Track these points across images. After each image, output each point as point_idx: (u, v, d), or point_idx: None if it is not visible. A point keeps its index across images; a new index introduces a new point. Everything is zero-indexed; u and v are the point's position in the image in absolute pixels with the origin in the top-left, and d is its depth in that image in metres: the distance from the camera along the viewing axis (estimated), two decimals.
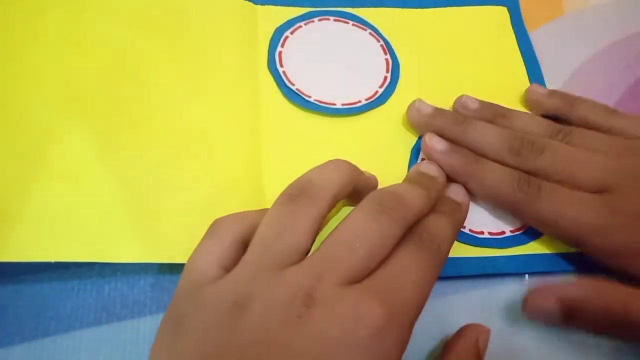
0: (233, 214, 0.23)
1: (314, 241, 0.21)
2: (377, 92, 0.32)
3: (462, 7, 0.36)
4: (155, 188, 0.26)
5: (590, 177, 0.26)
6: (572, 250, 0.27)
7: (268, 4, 0.34)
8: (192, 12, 0.32)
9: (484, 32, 0.36)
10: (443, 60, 0.34)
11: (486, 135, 0.28)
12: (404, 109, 0.31)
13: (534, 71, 0.34)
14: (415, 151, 0.30)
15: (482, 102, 0.31)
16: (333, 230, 0.21)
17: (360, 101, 0.31)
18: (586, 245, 0.26)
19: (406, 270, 0.20)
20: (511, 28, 0.36)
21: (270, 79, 0.31)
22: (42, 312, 0.24)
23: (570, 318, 0.24)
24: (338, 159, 0.25)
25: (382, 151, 0.30)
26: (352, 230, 0.21)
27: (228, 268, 0.20)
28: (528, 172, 0.27)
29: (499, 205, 0.28)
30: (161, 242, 0.25)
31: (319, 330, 0.18)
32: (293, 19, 0.34)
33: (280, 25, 0.33)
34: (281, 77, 0.31)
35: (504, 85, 0.33)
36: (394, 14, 0.35)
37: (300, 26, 0.34)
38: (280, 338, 0.18)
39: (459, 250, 0.27)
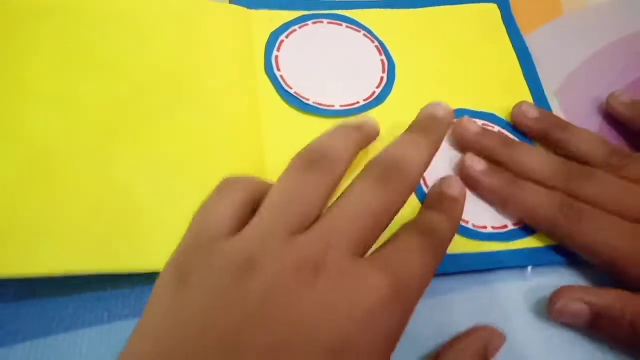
0: (243, 176, 0.22)
1: (324, 208, 0.21)
2: (374, 92, 0.32)
3: (453, 6, 0.37)
4: (156, 197, 0.26)
5: (634, 205, 0.27)
6: None
7: (262, 9, 0.34)
8: (187, 19, 0.32)
9: (477, 29, 0.36)
10: (438, 59, 0.34)
11: (534, 158, 0.29)
12: (402, 108, 0.31)
13: (527, 64, 0.35)
14: None
15: (541, 112, 0.31)
16: (340, 198, 0.21)
17: (358, 102, 0.31)
18: (622, 274, 0.26)
19: (412, 251, 0.20)
20: (503, 25, 0.36)
21: (268, 83, 0.31)
22: (43, 312, 0.24)
23: (597, 325, 0.25)
24: (345, 125, 0.25)
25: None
26: (357, 201, 0.21)
27: (238, 227, 0.20)
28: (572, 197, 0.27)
29: (537, 226, 0.28)
30: (162, 251, 0.25)
31: (325, 298, 0.18)
32: (287, 23, 0.34)
33: (276, 30, 0.34)
34: (279, 81, 0.31)
35: (500, 80, 0.34)
36: (386, 15, 0.36)
37: (295, 30, 0.34)
38: (286, 302, 0.17)
39: (464, 246, 0.27)
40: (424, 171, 0.24)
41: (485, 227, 0.28)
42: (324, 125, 0.30)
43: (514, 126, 0.32)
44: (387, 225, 0.21)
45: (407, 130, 0.26)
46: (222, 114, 0.30)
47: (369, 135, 0.26)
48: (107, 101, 0.28)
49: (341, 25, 0.35)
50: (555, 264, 0.28)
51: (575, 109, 0.34)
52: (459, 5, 0.37)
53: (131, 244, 0.25)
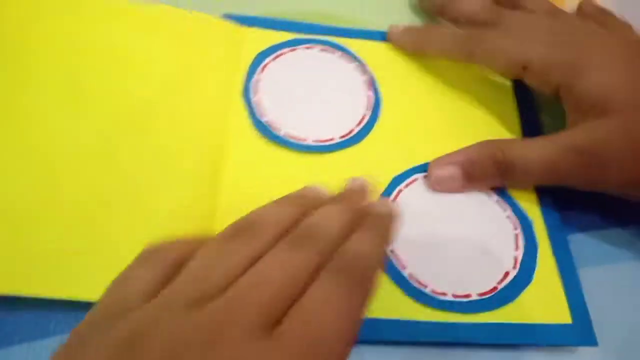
0: (167, 244, 0.21)
1: None
2: (352, 130, 0.30)
3: None
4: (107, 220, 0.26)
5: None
6: (549, 321, 0.25)
7: (255, 26, 0.33)
8: (177, 31, 0.31)
9: (478, 74, 0.33)
10: (429, 100, 0.32)
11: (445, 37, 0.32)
12: (378, 151, 0.29)
13: (527, 113, 0.32)
14: (384, 196, 0.28)
15: None
16: (252, 267, 0.19)
17: (333, 139, 0.29)
18: (540, 82, 0.29)
19: (325, 305, 0.18)
20: None
21: (242, 108, 0.30)
22: (41, 313, 0.24)
23: (470, 177, 0.28)
24: (290, 197, 0.23)
25: None
26: (263, 268, 0.19)
27: (152, 297, 0.19)
28: None
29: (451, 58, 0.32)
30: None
31: None
32: (277, 44, 0.32)
33: (263, 51, 0.32)
34: (252, 107, 0.30)
35: (492, 128, 0.32)
36: (383, 48, 0.34)
37: (284, 53, 0.32)
38: None
39: (417, 313, 0.25)
40: (341, 238, 0.21)
41: (444, 294, 0.26)
42: (292, 159, 0.29)
43: None
44: (300, 289, 0.19)
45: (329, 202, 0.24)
46: (186, 138, 0.28)
47: (311, 206, 0.24)
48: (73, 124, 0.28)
49: (334, 53, 0.33)
50: (518, 344, 0.25)
51: None
52: None
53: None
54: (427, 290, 0.25)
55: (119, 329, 0.17)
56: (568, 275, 0.27)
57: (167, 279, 0.19)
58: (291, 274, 0.19)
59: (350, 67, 0.32)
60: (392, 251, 0.26)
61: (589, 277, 0.27)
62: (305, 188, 0.24)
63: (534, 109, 0.33)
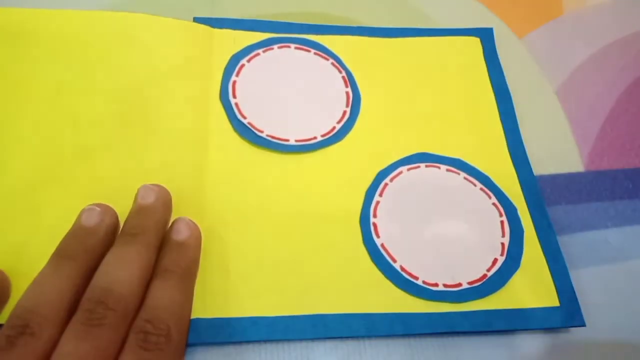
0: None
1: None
2: (334, 127, 0.30)
3: (432, 38, 0.35)
4: None
5: None
6: (538, 304, 0.26)
7: (226, 28, 0.32)
8: (145, 37, 0.31)
9: (454, 64, 0.34)
10: (407, 94, 0.32)
11: None
12: (361, 147, 0.29)
13: (504, 103, 0.32)
14: (371, 192, 0.28)
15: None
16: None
17: (315, 137, 0.29)
18: None
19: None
20: (483, 60, 0.34)
21: (221, 111, 0.29)
22: None
23: None
24: (68, 247, 0.22)
25: (334, 191, 0.28)
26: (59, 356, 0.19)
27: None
28: None
29: None
30: None
31: None
32: (251, 45, 0.32)
33: (237, 53, 0.32)
34: (232, 110, 0.29)
35: (473, 120, 0.32)
36: (359, 43, 0.34)
37: (259, 54, 0.32)
38: None
39: (411, 305, 0.25)
40: (143, 284, 0.21)
41: (436, 285, 0.26)
42: (276, 160, 0.28)
43: (480, 173, 0.29)
44: None
45: (117, 239, 0.23)
46: (166, 142, 0.28)
47: (97, 255, 0.22)
48: (51, 129, 0.27)
49: (309, 51, 0.33)
50: (509, 330, 0.26)
51: (576, 108, 0.34)
52: (439, 37, 0.35)
53: None
54: (419, 282, 0.26)
55: None
56: (554, 259, 0.27)
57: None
58: (97, 355, 0.19)
59: (326, 64, 0.32)
60: (382, 245, 0.26)
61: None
62: (79, 226, 0.23)
63: (509, 97, 0.33)
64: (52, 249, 0.22)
